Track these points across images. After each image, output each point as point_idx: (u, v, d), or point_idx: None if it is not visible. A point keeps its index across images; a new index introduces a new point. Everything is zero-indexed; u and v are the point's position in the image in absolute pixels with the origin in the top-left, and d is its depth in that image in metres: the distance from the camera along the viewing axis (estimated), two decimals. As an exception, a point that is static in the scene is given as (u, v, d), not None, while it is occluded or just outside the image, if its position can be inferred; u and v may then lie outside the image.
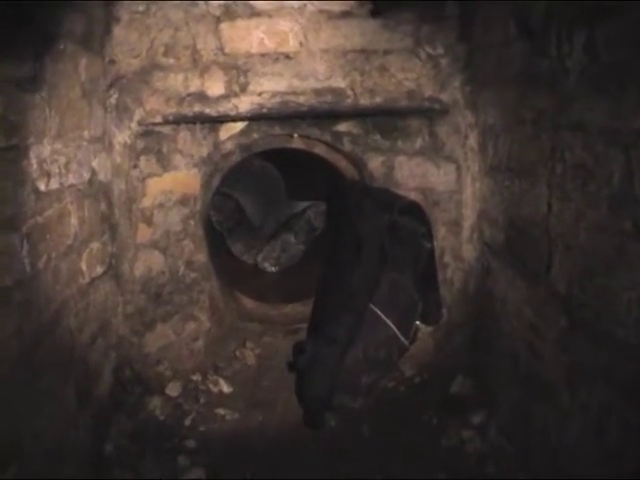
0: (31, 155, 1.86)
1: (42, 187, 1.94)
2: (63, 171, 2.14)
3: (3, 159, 1.71)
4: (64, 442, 2.07)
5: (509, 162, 2.48)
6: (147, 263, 2.98)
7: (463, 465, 2.44)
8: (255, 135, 3.12)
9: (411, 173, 3.07)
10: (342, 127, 3.10)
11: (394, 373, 2.99)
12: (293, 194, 5.52)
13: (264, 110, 2.90)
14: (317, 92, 2.89)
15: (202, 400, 2.93)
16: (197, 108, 2.85)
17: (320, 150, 3.36)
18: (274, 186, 5.57)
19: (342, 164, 3.39)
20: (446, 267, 3.08)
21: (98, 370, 2.54)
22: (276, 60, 2.84)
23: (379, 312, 2.68)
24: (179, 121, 2.90)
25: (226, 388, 3.02)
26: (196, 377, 3.06)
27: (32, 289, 1.85)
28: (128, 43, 2.75)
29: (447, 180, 3.05)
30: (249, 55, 2.83)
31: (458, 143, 2.99)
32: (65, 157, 2.16)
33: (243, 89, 2.86)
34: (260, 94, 2.87)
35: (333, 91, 2.89)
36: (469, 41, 2.85)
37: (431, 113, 2.98)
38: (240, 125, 3.05)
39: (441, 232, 3.05)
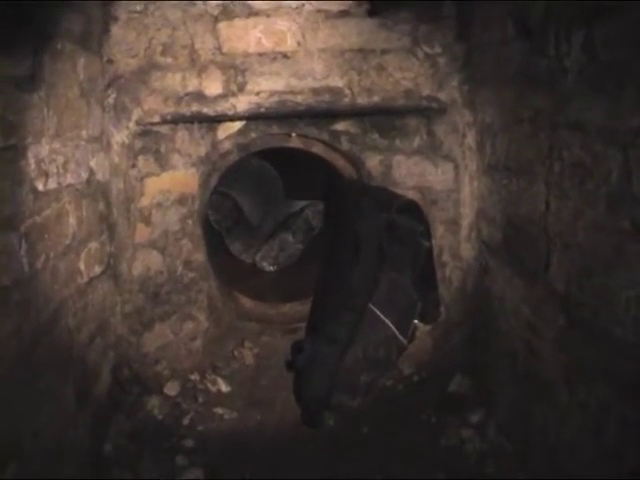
0: (29, 155, 1.86)
1: (40, 187, 1.94)
2: (61, 171, 2.13)
3: (1, 159, 1.71)
4: (63, 442, 2.07)
5: (507, 161, 2.48)
6: (145, 263, 2.98)
7: (462, 464, 2.44)
8: (253, 134, 3.12)
9: (409, 172, 3.08)
10: (340, 126, 3.10)
11: (393, 372, 3.00)
12: (291, 193, 5.52)
13: (262, 109, 2.90)
14: (315, 91, 2.89)
15: (200, 399, 2.93)
16: (195, 108, 2.85)
17: (318, 149, 3.36)
18: (272, 185, 5.57)
19: (340, 163, 3.39)
20: (444, 266, 3.08)
21: (97, 370, 2.53)
22: (274, 59, 2.84)
23: (378, 312, 2.68)
24: (177, 121, 2.89)
25: (224, 387, 3.02)
26: (194, 376, 3.06)
27: (30, 289, 1.85)
28: (126, 43, 2.75)
29: (445, 179, 3.05)
30: (247, 54, 2.83)
31: (456, 142, 2.99)
32: (63, 157, 2.16)
33: (241, 88, 2.86)
34: (258, 93, 2.87)
35: (331, 90, 2.89)
36: (467, 40, 2.85)
37: (429, 112, 2.99)
38: (238, 124, 3.05)
39: (439, 231, 3.05)
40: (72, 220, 2.26)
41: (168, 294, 3.05)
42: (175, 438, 2.66)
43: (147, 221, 2.95)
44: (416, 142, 3.05)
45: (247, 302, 3.77)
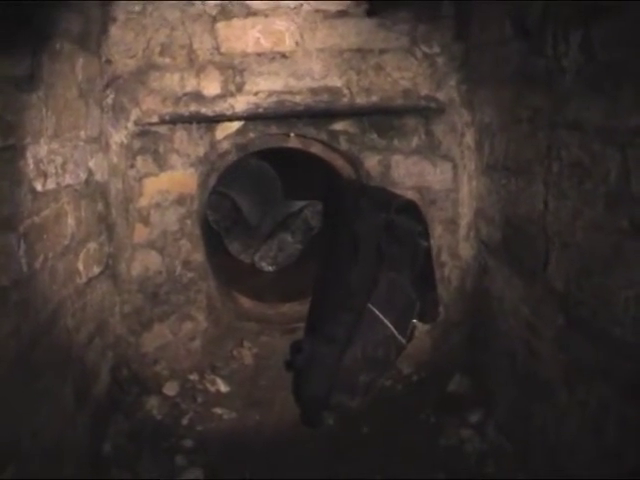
0: (28, 155, 1.86)
1: (39, 187, 1.94)
2: (60, 171, 2.13)
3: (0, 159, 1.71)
4: (62, 442, 2.07)
5: (505, 160, 2.48)
6: (144, 263, 2.98)
7: (462, 464, 2.44)
8: (251, 134, 3.12)
9: (408, 172, 3.08)
10: (338, 126, 3.10)
11: (392, 372, 3.00)
12: (290, 193, 5.52)
13: (260, 109, 2.90)
14: (313, 91, 2.89)
15: (199, 400, 2.93)
16: (193, 108, 2.85)
17: (316, 149, 3.36)
18: (271, 185, 5.57)
19: (339, 163, 3.39)
20: (443, 265, 3.08)
21: (95, 370, 2.53)
22: (272, 59, 2.85)
23: (377, 312, 2.68)
24: (175, 121, 2.89)
25: (223, 387, 3.02)
26: (193, 377, 3.06)
27: (29, 289, 1.84)
28: (124, 43, 2.75)
29: (444, 179, 3.05)
30: (245, 54, 2.83)
31: (454, 142, 3.00)
32: (62, 157, 2.16)
33: (239, 89, 2.86)
34: (256, 93, 2.87)
35: (329, 90, 2.90)
36: (465, 40, 2.86)
37: (427, 112, 2.99)
38: (236, 124, 3.05)
39: (438, 231, 3.05)
40: (71, 220, 2.26)
41: (167, 294, 3.05)
42: (174, 438, 2.66)
43: (146, 221, 2.95)
44: (414, 142, 3.05)
45: (246, 302, 3.76)
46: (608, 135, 1.67)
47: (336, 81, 2.89)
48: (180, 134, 2.97)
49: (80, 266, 2.36)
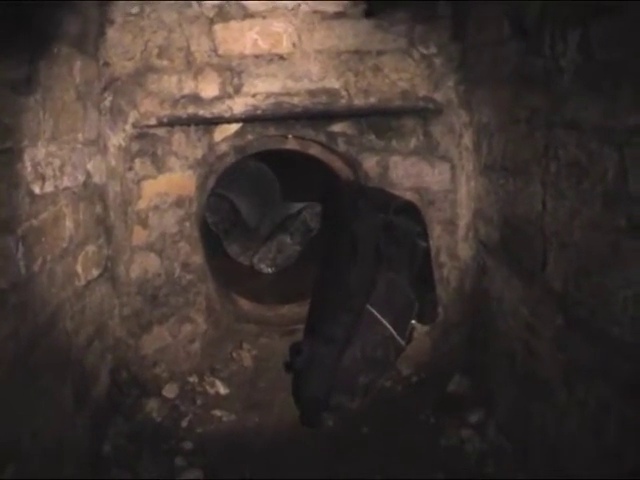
0: (25, 158, 1.86)
1: (37, 190, 1.93)
2: (58, 174, 2.13)
3: (-3, 162, 1.71)
4: (62, 442, 2.07)
5: (503, 161, 2.49)
6: (143, 265, 2.98)
7: (462, 464, 2.44)
8: (250, 136, 3.12)
9: (406, 173, 3.08)
10: (336, 127, 3.10)
11: (391, 373, 3.00)
12: (288, 195, 5.52)
13: (258, 111, 2.90)
14: (311, 93, 2.90)
15: (199, 402, 2.93)
16: (191, 110, 2.85)
17: (315, 151, 3.36)
18: (269, 187, 5.57)
19: (337, 164, 3.39)
20: (442, 266, 3.08)
21: (95, 372, 2.53)
22: (270, 61, 2.85)
23: (375, 312, 2.68)
24: (173, 123, 2.89)
25: (223, 389, 3.01)
26: (193, 379, 3.06)
27: (28, 292, 1.84)
28: (122, 45, 2.75)
29: (442, 179, 3.05)
30: (243, 56, 2.84)
31: (452, 142, 3.00)
32: (60, 160, 2.16)
33: (237, 90, 2.86)
34: (254, 95, 2.87)
35: (327, 92, 2.90)
36: (463, 40, 2.86)
37: (425, 113, 2.99)
38: (234, 126, 3.05)
39: (436, 231, 3.05)
40: (69, 223, 2.26)
41: (166, 296, 3.04)
42: (174, 440, 2.66)
43: (144, 224, 2.95)
44: (413, 143, 3.05)
45: (245, 304, 3.76)
46: (605, 134, 1.67)
47: (334, 83, 2.89)
48: (178, 136, 2.97)
49: (79, 269, 2.36)
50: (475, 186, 2.90)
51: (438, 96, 2.94)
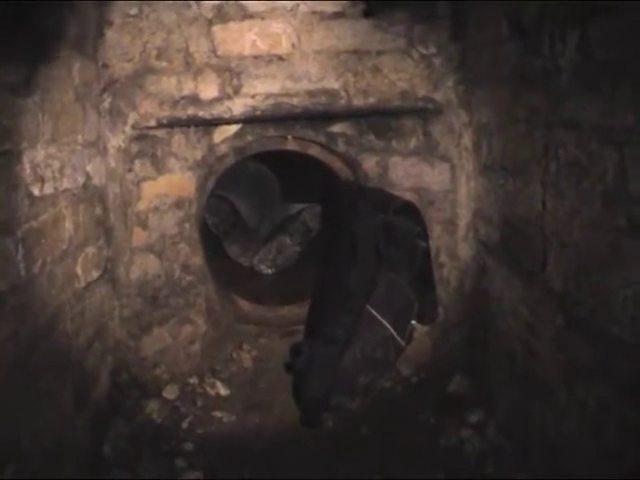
0: (24, 160, 1.86)
1: (36, 192, 1.94)
2: (57, 176, 2.13)
3: (-4, 164, 1.71)
4: (62, 443, 2.07)
5: (503, 161, 2.49)
6: (143, 267, 2.98)
7: (462, 464, 2.44)
8: (249, 137, 3.12)
9: (406, 173, 3.08)
10: (336, 128, 3.10)
11: (391, 373, 3.00)
12: (288, 196, 5.52)
13: (258, 112, 2.90)
14: (310, 93, 2.90)
15: (199, 403, 2.93)
16: (191, 111, 2.85)
17: (314, 151, 3.36)
18: (269, 188, 5.57)
19: (337, 165, 3.39)
20: (442, 266, 3.08)
21: (95, 374, 2.53)
22: (269, 62, 2.85)
23: (375, 313, 2.68)
24: (173, 124, 2.89)
25: (223, 391, 3.01)
26: (193, 380, 3.06)
27: (27, 293, 1.84)
28: (121, 47, 2.75)
29: (442, 179, 3.05)
30: (242, 57, 2.83)
31: (452, 142, 3.00)
32: (59, 162, 2.16)
33: (236, 91, 2.86)
34: (253, 96, 2.87)
35: (326, 92, 2.90)
36: (462, 40, 2.86)
37: (425, 113, 2.99)
38: (234, 128, 3.05)
39: (436, 231, 3.05)
40: (69, 225, 2.26)
41: (166, 298, 3.04)
42: (174, 441, 2.66)
43: (144, 225, 2.95)
44: (412, 143, 3.05)
45: (245, 305, 3.76)
46: (605, 134, 1.67)
47: (333, 83, 2.89)
48: (178, 137, 2.97)
49: (79, 270, 2.36)
50: (475, 186, 2.90)
51: (438, 96, 2.94)
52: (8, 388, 1.70)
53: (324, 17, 2.83)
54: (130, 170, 2.88)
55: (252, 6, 2.79)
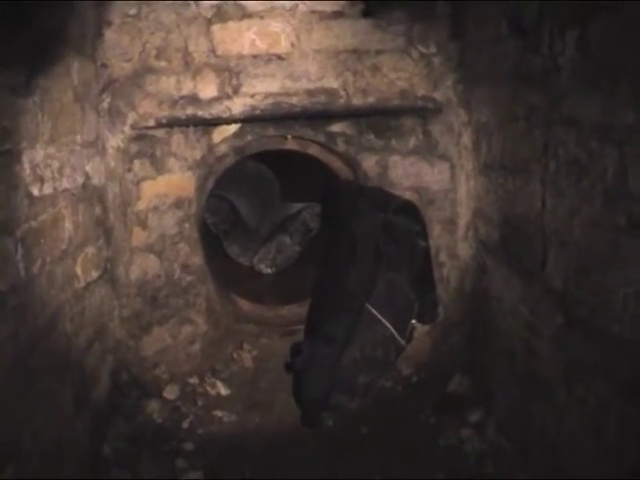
0: (24, 160, 1.85)
1: (35, 192, 1.93)
2: (56, 176, 2.13)
3: (-4, 164, 1.71)
4: (62, 443, 2.07)
5: (503, 159, 2.49)
6: (143, 267, 2.97)
7: (462, 464, 2.44)
8: (249, 137, 3.12)
9: (405, 172, 3.08)
10: (336, 127, 3.10)
11: (391, 373, 3.00)
12: (288, 195, 5.52)
13: (257, 112, 2.89)
14: (310, 93, 2.89)
15: (200, 403, 2.93)
16: (190, 111, 2.85)
17: (314, 151, 3.36)
18: (269, 188, 5.57)
19: (336, 164, 3.39)
20: (442, 266, 3.08)
21: (95, 374, 2.53)
22: (268, 61, 2.84)
23: (375, 312, 2.68)
24: (172, 124, 2.89)
25: (223, 390, 3.01)
26: (193, 380, 3.05)
27: (27, 293, 1.84)
28: (120, 47, 2.75)
29: (441, 179, 3.05)
30: (241, 57, 2.83)
31: (452, 142, 2.99)
32: (58, 162, 2.15)
33: (236, 91, 2.86)
34: (253, 96, 2.87)
35: (326, 91, 2.90)
36: (461, 39, 2.86)
37: (424, 112, 2.99)
38: (233, 127, 3.05)
39: (436, 230, 3.05)
40: (68, 225, 2.25)
41: (166, 298, 3.04)
42: (175, 441, 2.65)
43: (144, 225, 2.95)
44: (412, 142, 3.04)
45: (245, 305, 3.76)
46: (605, 132, 1.67)
47: (332, 82, 2.89)
48: (177, 137, 2.97)
49: (78, 270, 2.36)
50: (474, 185, 2.90)
51: (437, 95, 2.93)
52: (8, 388, 1.69)
53: (323, 16, 2.83)
54: (129, 170, 2.87)
55: (251, 5, 2.79)
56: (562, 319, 1.98)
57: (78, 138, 2.40)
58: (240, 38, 2.81)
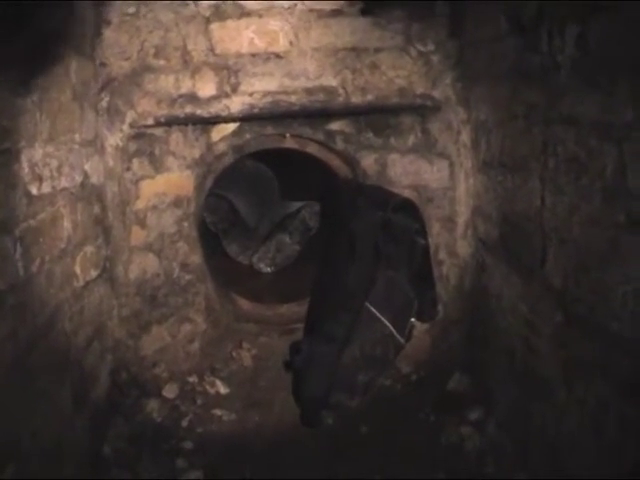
0: (22, 159, 1.85)
1: (34, 191, 1.93)
2: (55, 174, 2.13)
3: (-6, 163, 1.71)
4: (62, 443, 2.07)
5: (502, 157, 2.48)
6: (142, 265, 2.97)
7: (462, 462, 2.44)
8: (247, 135, 3.12)
9: (404, 170, 3.08)
10: (334, 126, 3.10)
11: (391, 371, 3.00)
12: (287, 194, 5.51)
13: (256, 110, 2.89)
14: (308, 91, 2.89)
15: (199, 401, 2.93)
16: (189, 109, 2.84)
17: (313, 149, 3.36)
18: (268, 187, 5.56)
19: (335, 163, 3.39)
20: (441, 264, 3.08)
21: (94, 373, 2.53)
22: (267, 60, 2.84)
23: (374, 310, 2.68)
24: (171, 123, 2.89)
25: (223, 389, 3.01)
26: (193, 379, 3.05)
27: (26, 293, 1.84)
28: (119, 45, 2.74)
29: (440, 177, 3.05)
30: (240, 55, 2.82)
31: (451, 139, 2.99)
32: (57, 160, 2.15)
33: (234, 89, 2.85)
34: (251, 94, 2.86)
35: (324, 90, 2.89)
36: (460, 37, 2.85)
37: (423, 110, 2.99)
38: (232, 126, 3.05)
39: (435, 229, 3.05)
40: (67, 224, 2.25)
41: (165, 297, 3.04)
42: (174, 440, 2.65)
43: (143, 224, 2.94)
44: (411, 140, 3.05)
45: (244, 303, 3.76)
46: (604, 130, 1.67)
47: (331, 80, 2.88)
48: (176, 136, 2.97)
49: (77, 269, 2.36)
50: (474, 183, 2.90)
51: (436, 93, 2.93)
52: (7, 388, 1.69)
53: (322, 15, 2.82)
54: (128, 169, 2.87)
55: (249, 4, 2.78)
56: (561, 317, 1.98)
57: (77, 137, 2.39)
58: (239, 37, 2.81)
